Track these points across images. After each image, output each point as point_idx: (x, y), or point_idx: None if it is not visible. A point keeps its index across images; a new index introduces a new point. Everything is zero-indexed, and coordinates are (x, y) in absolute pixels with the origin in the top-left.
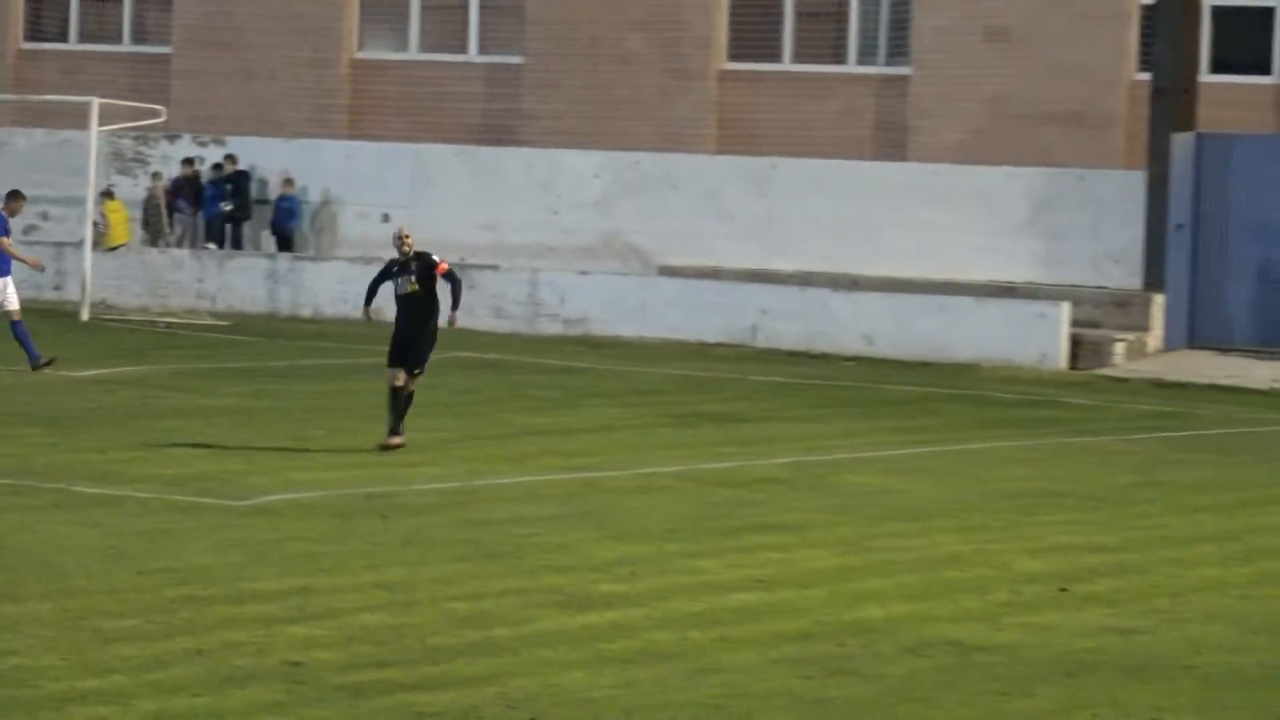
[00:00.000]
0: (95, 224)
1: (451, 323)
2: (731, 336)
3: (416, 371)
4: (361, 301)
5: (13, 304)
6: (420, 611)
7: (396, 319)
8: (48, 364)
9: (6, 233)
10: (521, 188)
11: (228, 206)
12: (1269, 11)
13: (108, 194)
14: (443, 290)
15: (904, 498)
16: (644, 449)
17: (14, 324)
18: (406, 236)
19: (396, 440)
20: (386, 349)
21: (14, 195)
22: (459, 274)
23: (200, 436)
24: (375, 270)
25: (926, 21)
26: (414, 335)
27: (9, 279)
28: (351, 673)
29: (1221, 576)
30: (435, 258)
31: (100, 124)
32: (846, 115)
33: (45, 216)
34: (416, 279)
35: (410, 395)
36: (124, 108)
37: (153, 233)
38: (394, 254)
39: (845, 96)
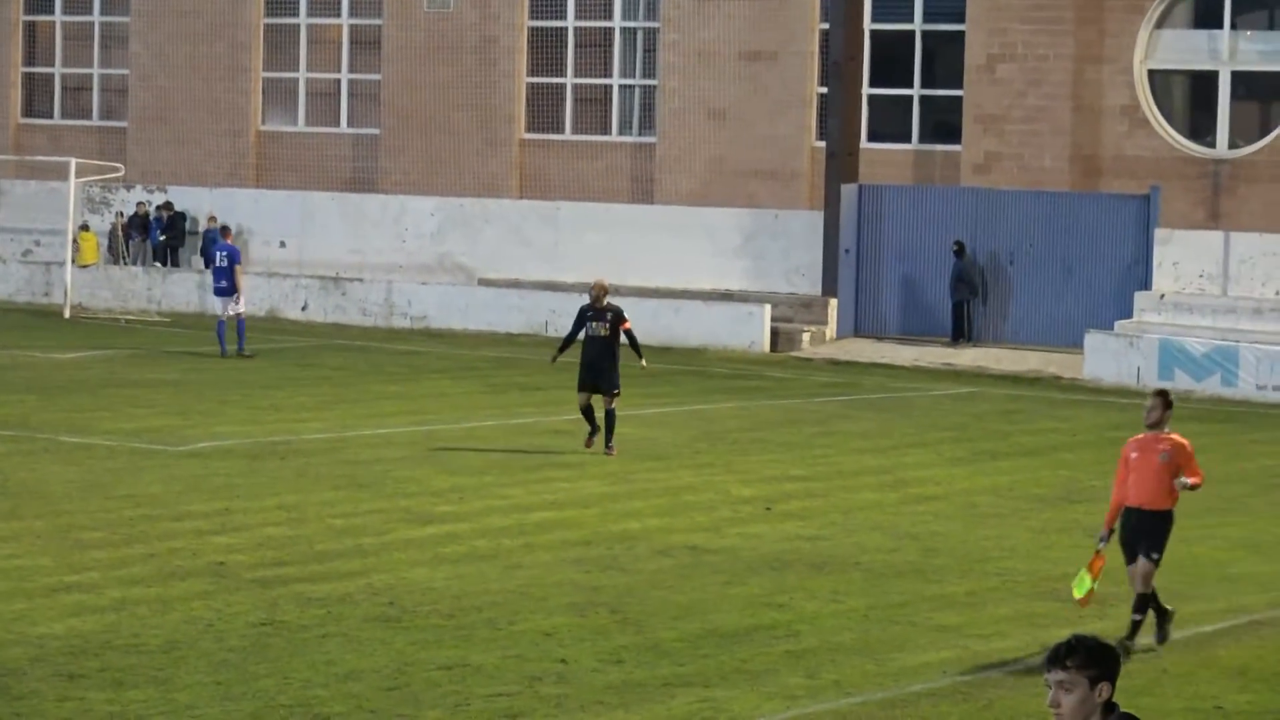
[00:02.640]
0: (74, 243)
1: (643, 368)
2: (530, 329)
3: (615, 393)
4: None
5: (241, 308)
6: (309, 526)
7: (584, 353)
8: (250, 356)
9: (239, 261)
10: (379, 223)
11: (164, 237)
12: (909, 98)
13: (84, 227)
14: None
15: (653, 443)
16: (469, 409)
17: (239, 320)
18: (605, 289)
19: (592, 443)
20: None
21: (226, 229)
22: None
23: (150, 401)
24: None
25: (666, 105)
26: (603, 367)
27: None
28: (260, 570)
29: (879, 499)
30: (625, 314)
31: (76, 177)
32: (610, 171)
33: (37, 243)
34: (608, 326)
35: (613, 413)
36: (93, 165)
37: (115, 255)
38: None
39: (610, 157)
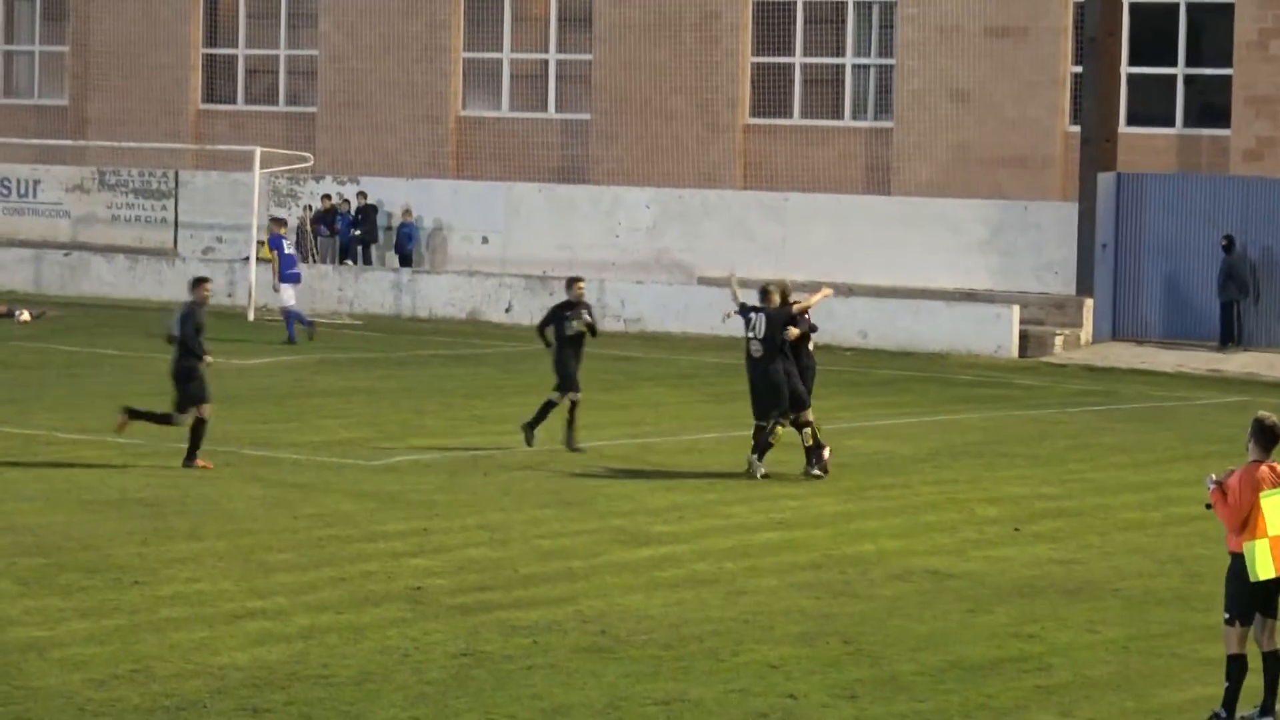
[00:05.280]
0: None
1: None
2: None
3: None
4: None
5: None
6: (514, 547)
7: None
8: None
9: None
10: (590, 216)
11: (356, 232)
12: (1173, 77)
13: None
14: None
15: (891, 457)
16: (687, 420)
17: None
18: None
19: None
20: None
21: (276, 220)
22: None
23: (340, 411)
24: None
25: (905, 85)
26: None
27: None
28: (461, 595)
29: (1139, 519)
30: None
31: (261, 167)
32: (843, 159)
33: (219, 240)
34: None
35: (804, 430)
36: (280, 155)
37: (304, 252)
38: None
39: (842, 144)
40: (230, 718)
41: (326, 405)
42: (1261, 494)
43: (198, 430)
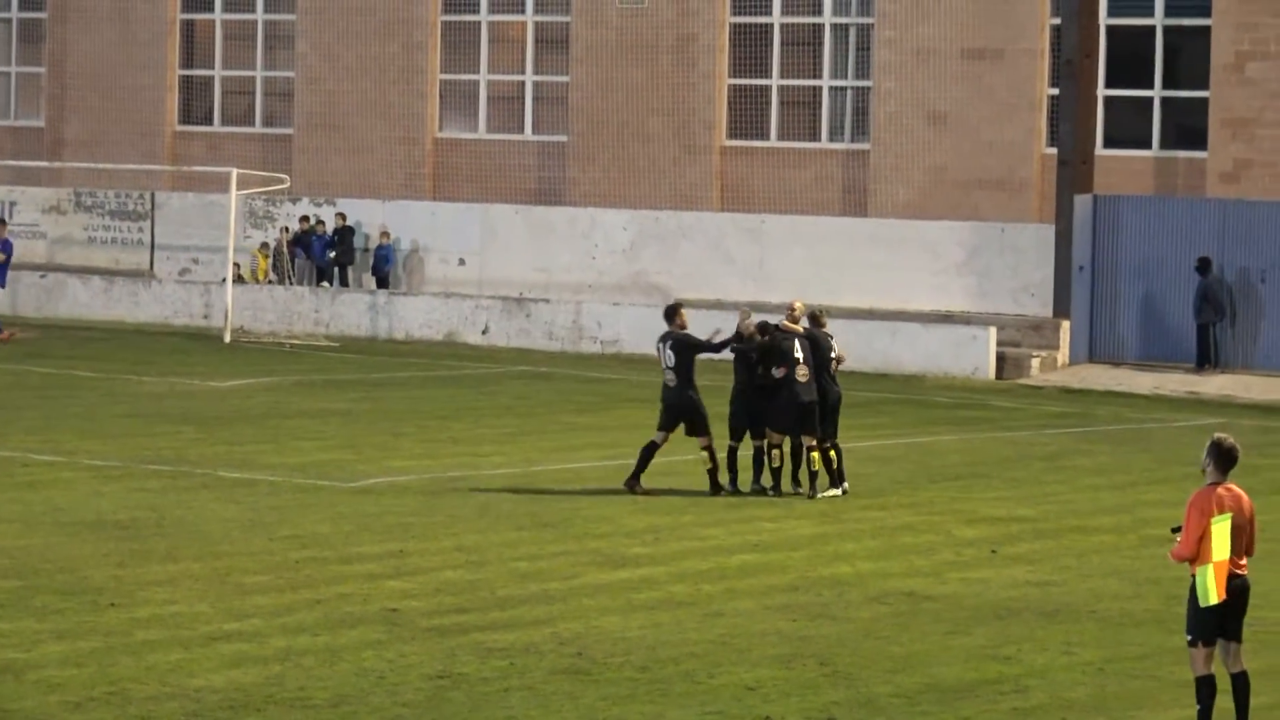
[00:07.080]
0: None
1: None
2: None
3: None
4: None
5: None
6: (490, 569)
7: None
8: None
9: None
10: (566, 238)
11: (332, 254)
12: (1149, 100)
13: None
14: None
15: (867, 480)
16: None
17: None
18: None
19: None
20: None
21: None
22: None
23: (317, 433)
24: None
25: (881, 108)
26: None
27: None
28: (437, 617)
29: (1116, 541)
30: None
31: (238, 189)
32: (820, 181)
33: (195, 261)
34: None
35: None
36: (256, 176)
37: (280, 274)
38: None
39: (819, 166)
40: None
41: (303, 427)
42: (1212, 519)
43: (651, 452)
